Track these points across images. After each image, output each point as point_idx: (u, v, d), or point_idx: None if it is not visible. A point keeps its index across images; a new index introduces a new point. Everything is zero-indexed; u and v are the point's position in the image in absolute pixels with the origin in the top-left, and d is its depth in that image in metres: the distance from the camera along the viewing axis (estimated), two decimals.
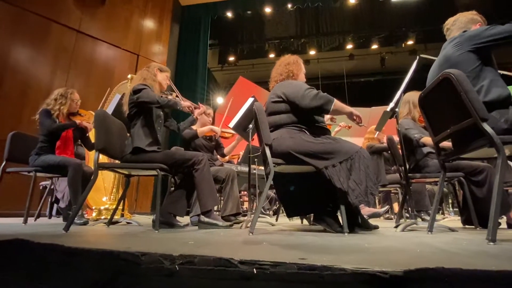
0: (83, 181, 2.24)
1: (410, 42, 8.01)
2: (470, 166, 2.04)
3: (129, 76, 2.97)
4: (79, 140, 2.68)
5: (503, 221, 2.03)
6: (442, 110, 1.45)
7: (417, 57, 2.10)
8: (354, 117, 1.73)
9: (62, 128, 2.41)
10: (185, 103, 2.01)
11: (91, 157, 3.13)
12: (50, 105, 2.49)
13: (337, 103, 1.66)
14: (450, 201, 5.28)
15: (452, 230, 1.75)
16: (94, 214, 2.81)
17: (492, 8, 7.08)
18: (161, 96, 1.91)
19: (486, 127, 1.14)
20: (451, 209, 5.34)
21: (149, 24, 6.01)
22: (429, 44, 7.93)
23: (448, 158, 1.51)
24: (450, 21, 1.69)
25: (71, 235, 1.30)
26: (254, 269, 0.56)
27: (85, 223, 2.16)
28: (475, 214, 1.96)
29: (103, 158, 2.88)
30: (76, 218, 2.06)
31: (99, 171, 1.76)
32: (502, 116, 1.26)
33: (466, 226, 2.10)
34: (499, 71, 1.45)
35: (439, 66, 1.57)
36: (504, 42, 1.32)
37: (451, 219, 3.44)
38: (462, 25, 1.62)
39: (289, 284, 0.54)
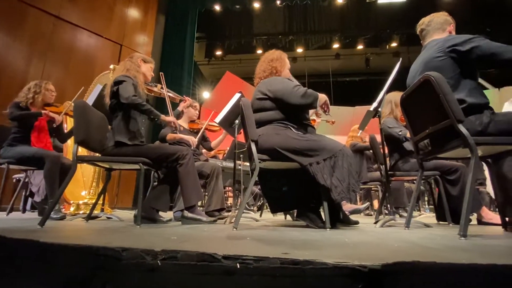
0: (61, 174, 2.15)
1: (394, 44, 8.24)
2: (446, 165, 2.14)
3: (111, 66, 2.86)
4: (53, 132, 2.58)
5: (473, 217, 2.15)
6: (422, 111, 1.51)
7: (400, 59, 2.16)
8: (323, 106, 1.73)
9: (25, 116, 2.32)
10: (167, 118, 1.90)
11: (70, 150, 3.01)
12: (22, 95, 2.40)
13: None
14: (426, 198, 5.53)
15: (427, 226, 1.84)
16: (72, 209, 2.71)
17: (472, 14, 7.41)
18: (135, 96, 1.78)
19: (462, 128, 1.19)
20: (426, 206, 5.58)
21: (133, 13, 5.81)
22: (412, 47, 8.20)
23: (426, 157, 1.57)
24: (424, 21, 1.72)
25: (47, 230, 1.25)
26: (238, 264, 0.56)
27: (62, 218, 2.08)
28: (449, 211, 2.07)
29: (82, 151, 2.78)
30: (52, 213, 1.98)
31: (78, 164, 1.69)
32: (477, 119, 1.32)
33: (440, 222, 2.20)
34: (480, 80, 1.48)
35: (420, 67, 1.61)
36: (486, 56, 1.34)
37: (427, 216, 3.60)
38: (438, 25, 1.66)
39: (272, 278, 0.54)
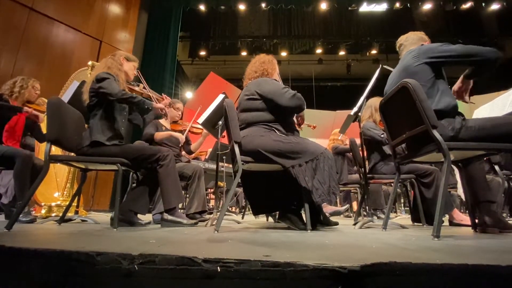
0: (32, 175, 2.03)
1: (373, 52, 8.54)
2: (421, 168, 2.24)
3: (89, 63, 2.75)
4: (29, 131, 2.44)
5: (445, 219, 2.25)
6: (399, 116, 1.57)
7: (380, 66, 2.25)
8: (299, 119, 1.94)
9: (3, 107, 2.18)
10: (157, 105, 1.91)
11: (42, 149, 2.86)
12: (7, 87, 2.30)
13: None
14: (402, 200, 5.75)
15: (403, 227, 1.90)
16: (43, 211, 2.57)
17: (446, 25, 7.84)
18: (123, 90, 1.78)
19: (436, 134, 1.25)
20: (402, 208, 5.81)
21: (114, 9, 5.64)
22: (390, 55, 8.54)
23: (403, 161, 1.64)
24: (402, 38, 1.86)
25: (15, 234, 1.17)
26: (218, 267, 0.55)
27: (32, 221, 1.96)
28: (423, 212, 2.16)
29: (56, 150, 2.64)
30: (21, 215, 1.86)
31: (51, 164, 1.61)
32: (450, 125, 1.39)
33: (415, 223, 2.29)
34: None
35: (398, 75, 1.68)
36: (452, 60, 1.47)
37: (403, 217, 3.74)
38: (414, 41, 1.80)
39: (253, 281, 0.54)
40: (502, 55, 1.39)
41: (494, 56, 1.37)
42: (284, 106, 1.72)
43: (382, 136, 2.42)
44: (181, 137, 2.57)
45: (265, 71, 1.91)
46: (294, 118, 1.93)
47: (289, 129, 1.80)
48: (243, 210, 3.88)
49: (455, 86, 1.60)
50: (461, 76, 1.57)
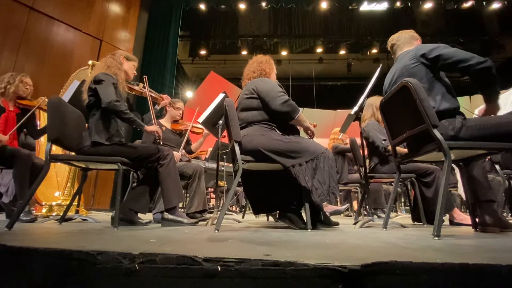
0: (32, 174, 2.03)
1: (374, 51, 8.52)
2: (421, 168, 2.23)
3: (90, 62, 2.75)
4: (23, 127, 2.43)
5: (446, 218, 2.25)
6: (399, 116, 1.57)
7: (380, 65, 2.24)
8: (309, 132, 1.90)
9: None
10: (149, 128, 1.86)
11: (42, 148, 2.86)
12: None
13: (301, 116, 1.76)
14: (402, 200, 5.75)
15: (403, 226, 1.90)
16: (44, 211, 2.57)
17: (446, 24, 7.83)
18: (117, 101, 1.72)
19: (436, 133, 1.25)
20: (403, 207, 5.81)
21: (114, 8, 5.63)
22: (391, 54, 8.51)
23: (403, 160, 1.64)
24: (394, 38, 1.86)
25: (16, 233, 1.17)
26: (219, 267, 0.55)
27: (33, 220, 1.97)
28: (423, 212, 2.16)
29: (57, 149, 2.65)
30: (22, 215, 1.87)
31: (52, 164, 1.61)
32: (450, 124, 1.39)
33: (416, 223, 2.29)
34: None
35: (397, 75, 1.68)
36: (447, 63, 1.45)
37: (403, 217, 3.74)
38: (406, 40, 1.80)
39: (254, 280, 0.54)
40: (493, 64, 1.38)
41: (486, 64, 1.36)
42: (273, 110, 1.71)
43: (383, 142, 2.41)
44: (177, 156, 2.52)
45: (263, 71, 1.92)
46: (306, 133, 1.92)
47: (290, 128, 1.80)
48: (244, 209, 3.89)
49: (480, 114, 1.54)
50: (484, 104, 1.51)
